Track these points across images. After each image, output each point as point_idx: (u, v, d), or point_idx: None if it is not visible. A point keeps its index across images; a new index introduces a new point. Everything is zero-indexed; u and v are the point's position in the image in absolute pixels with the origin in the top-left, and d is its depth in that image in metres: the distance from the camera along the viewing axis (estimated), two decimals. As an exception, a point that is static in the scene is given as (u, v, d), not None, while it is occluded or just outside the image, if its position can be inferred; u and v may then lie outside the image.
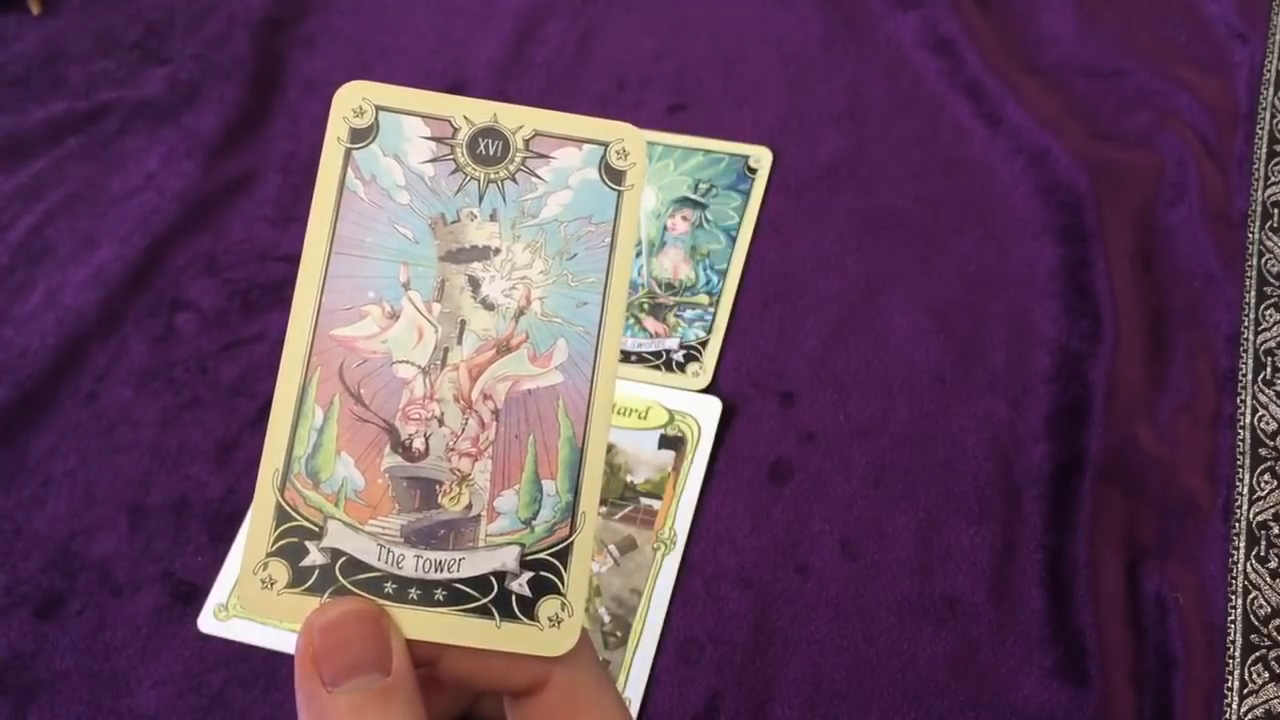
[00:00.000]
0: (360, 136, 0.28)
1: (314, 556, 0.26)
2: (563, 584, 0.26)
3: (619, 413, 0.55)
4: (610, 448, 0.55)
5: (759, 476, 0.54)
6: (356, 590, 0.25)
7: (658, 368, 0.57)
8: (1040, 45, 0.68)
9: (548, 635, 0.26)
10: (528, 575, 0.26)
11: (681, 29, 0.72)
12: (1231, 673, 0.47)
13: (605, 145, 0.28)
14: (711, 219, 0.62)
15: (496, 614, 0.26)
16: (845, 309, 0.59)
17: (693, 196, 0.63)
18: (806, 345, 0.58)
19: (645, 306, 0.60)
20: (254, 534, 0.26)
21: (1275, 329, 0.56)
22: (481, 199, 0.28)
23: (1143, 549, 0.50)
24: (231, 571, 0.53)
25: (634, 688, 0.49)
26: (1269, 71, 0.65)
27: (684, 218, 0.63)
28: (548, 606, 0.26)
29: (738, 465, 0.54)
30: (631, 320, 0.59)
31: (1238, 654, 0.47)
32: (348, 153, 0.27)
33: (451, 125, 0.28)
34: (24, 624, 0.52)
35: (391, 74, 0.72)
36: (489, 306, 0.27)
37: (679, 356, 0.58)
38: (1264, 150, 0.62)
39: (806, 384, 0.56)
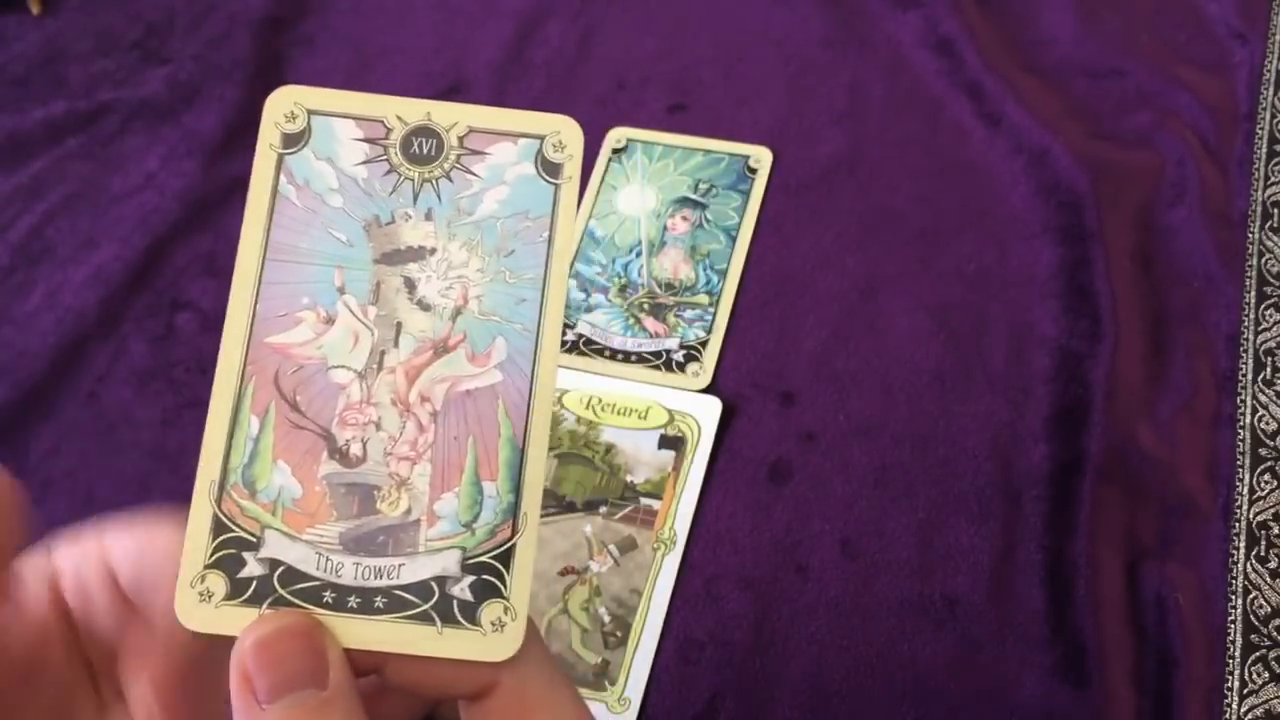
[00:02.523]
0: (292, 141, 0.27)
1: (252, 567, 0.25)
2: (505, 587, 0.25)
3: (619, 413, 0.55)
4: (610, 448, 0.55)
5: (759, 476, 0.54)
6: (295, 600, 0.25)
7: (657, 368, 0.57)
8: (1040, 45, 0.68)
9: (490, 640, 0.25)
10: (469, 579, 0.25)
11: (681, 29, 0.72)
12: (1231, 673, 0.47)
13: (541, 138, 0.28)
14: (711, 219, 0.62)
15: (438, 620, 0.25)
16: (845, 309, 0.59)
17: (693, 196, 0.63)
18: (806, 345, 0.58)
19: (645, 306, 0.60)
20: (190, 547, 0.25)
21: (1275, 329, 0.56)
22: (416, 199, 0.27)
23: (1143, 549, 0.50)
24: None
25: (634, 688, 0.49)
26: (1269, 71, 0.65)
27: (684, 218, 0.63)
28: (490, 611, 0.25)
29: (738, 465, 0.54)
30: (631, 320, 0.59)
31: (1238, 654, 0.47)
32: (280, 158, 0.27)
33: (384, 126, 0.27)
34: (24, 624, 0.52)
35: (391, 73, 0.72)
36: (425, 307, 0.27)
37: (679, 356, 0.58)
38: (1264, 150, 0.62)
39: (806, 384, 0.56)
